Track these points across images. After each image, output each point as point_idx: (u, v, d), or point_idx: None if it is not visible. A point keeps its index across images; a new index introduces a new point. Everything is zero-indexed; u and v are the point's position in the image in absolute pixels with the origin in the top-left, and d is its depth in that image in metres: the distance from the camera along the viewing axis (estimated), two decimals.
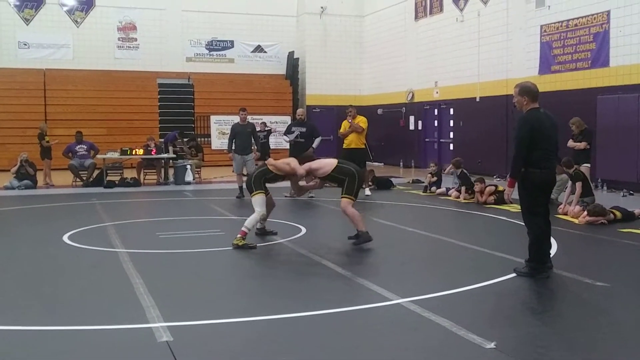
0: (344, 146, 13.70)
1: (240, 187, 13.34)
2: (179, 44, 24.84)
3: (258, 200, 8.15)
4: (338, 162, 8.21)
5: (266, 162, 8.62)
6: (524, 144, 6.20)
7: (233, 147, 13.48)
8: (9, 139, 19.91)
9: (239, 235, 7.89)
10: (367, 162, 14.44)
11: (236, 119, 14.35)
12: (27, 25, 23.12)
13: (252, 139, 13.74)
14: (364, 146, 13.76)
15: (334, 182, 8.31)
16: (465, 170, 13.31)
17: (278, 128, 22.72)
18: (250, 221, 8.00)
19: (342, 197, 8.12)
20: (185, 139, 18.49)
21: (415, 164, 22.03)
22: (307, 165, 8.32)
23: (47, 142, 16.41)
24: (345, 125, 13.76)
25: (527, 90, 6.36)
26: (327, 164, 8.21)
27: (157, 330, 4.69)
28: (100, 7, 23.78)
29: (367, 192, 13.76)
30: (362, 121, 13.55)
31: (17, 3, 22.98)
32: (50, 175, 16.24)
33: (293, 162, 8.35)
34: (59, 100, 22.43)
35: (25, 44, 23.12)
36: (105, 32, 23.83)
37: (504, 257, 7.28)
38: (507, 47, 18.00)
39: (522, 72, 16.74)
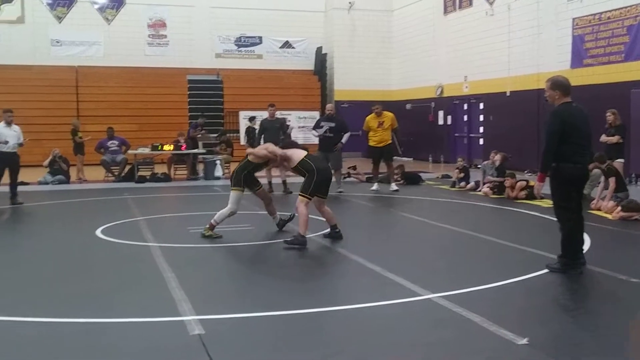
0: (373, 144, 13.83)
1: (284, 182, 13.42)
2: (208, 41, 24.99)
3: (232, 197, 8.26)
4: (305, 156, 8.06)
5: (246, 151, 8.65)
6: (555, 138, 6.13)
7: (261, 143, 13.51)
8: (43, 134, 20.23)
9: (207, 226, 8.22)
10: (395, 157, 14.44)
11: (265, 114, 14.39)
12: (60, 23, 23.48)
13: (282, 134, 13.77)
14: (391, 141, 13.92)
15: (300, 175, 8.16)
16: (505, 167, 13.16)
17: (306, 124, 22.79)
18: (219, 215, 8.22)
19: (298, 194, 7.99)
20: (215, 135, 18.63)
21: (445, 159, 21.89)
22: (284, 151, 8.24)
23: (80, 138, 16.66)
24: (370, 121, 13.78)
25: (559, 84, 6.28)
26: (296, 155, 8.08)
27: (189, 323, 4.74)
28: (130, 4, 24.04)
29: (394, 186, 13.75)
30: (391, 118, 13.77)
31: (50, 1, 23.34)
32: (83, 171, 16.49)
33: (270, 146, 8.40)
34: (91, 97, 22.74)
35: (58, 42, 23.47)
36: (135, 29, 24.08)
37: (535, 252, 7.21)
38: (538, 40, 17.77)
39: (554, 66, 16.51)
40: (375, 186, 13.92)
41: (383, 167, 14.27)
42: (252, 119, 20.41)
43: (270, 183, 13.35)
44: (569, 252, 6.25)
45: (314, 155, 8.27)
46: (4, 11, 22.92)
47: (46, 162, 15.83)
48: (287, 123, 19.24)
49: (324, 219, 8.28)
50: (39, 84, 22.28)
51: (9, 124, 11.81)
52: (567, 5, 16.75)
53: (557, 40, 17.06)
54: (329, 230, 8.27)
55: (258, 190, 8.77)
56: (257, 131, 14.37)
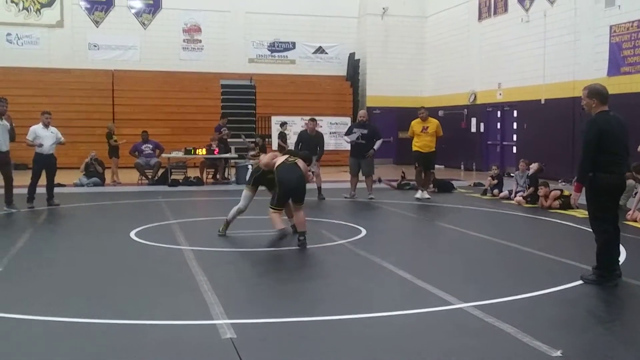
0: (416, 149, 13.45)
1: (319, 188, 13.44)
2: (242, 46, 25.20)
3: (243, 195, 8.79)
4: (278, 166, 8.27)
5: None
6: (592, 147, 6.04)
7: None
8: (79, 137, 20.58)
9: (223, 224, 8.75)
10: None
11: (296, 120, 14.46)
12: (97, 27, 23.91)
13: (319, 149, 13.58)
14: (435, 149, 13.61)
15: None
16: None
17: (338, 130, 22.81)
18: (231, 212, 8.75)
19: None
20: (250, 139, 18.77)
21: (477, 167, 21.71)
22: (264, 159, 8.70)
23: (115, 141, 16.92)
24: (415, 125, 13.53)
25: (597, 93, 6.20)
26: (275, 162, 8.41)
27: (221, 327, 4.78)
28: (166, 9, 24.37)
29: (426, 194, 13.53)
30: (436, 125, 13.50)
31: (88, 6, 23.79)
32: (117, 173, 16.73)
33: (264, 158, 8.81)
34: (126, 101, 23.09)
35: (95, 46, 23.91)
36: (171, 33, 24.41)
37: (569, 263, 7.11)
38: (574, 47, 17.54)
39: (590, 74, 16.28)
40: (419, 194, 13.50)
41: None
42: (283, 124, 20.56)
43: (319, 189, 13.40)
44: (604, 263, 6.15)
45: (284, 165, 8.28)
46: (43, 15, 23.43)
47: (82, 167, 16.07)
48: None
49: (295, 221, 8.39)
50: (77, 87, 22.70)
51: (46, 125, 12.04)
52: (604, 12, 16.51)
53: (594, 48, 16.82)
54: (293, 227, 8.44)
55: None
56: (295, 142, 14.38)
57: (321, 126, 23.90)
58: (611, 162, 6.06)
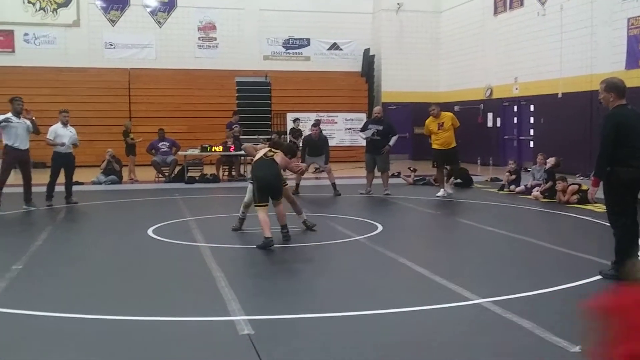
0: (437, 147, 13.16)
1: (333, 184, 13.51)
2: (257, 43, 25.23)
3: (248, 189, 8.85)
4: (255, 160, 8.35)
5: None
6: (610, 141, 5.99)
7: (306, 158, 13.84)
8: (96, 135, 20.74)
9: (237, 220, 8.92)
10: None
11: (311, 116, 14.57)
12: (113, 26, 24.04)
13: (324, 151, 13.91)
14: (455, 144, 13.23)
15: None
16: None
17: (353, 126, 22.84)
18: (240, 209, 8.92)
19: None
20: (262, 136, 18.79)
21: (494, 162, 21.58)
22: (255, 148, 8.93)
23: (132, 139, 17.02)
24: (430, 124, 13.24)
25: (614, 86, 6.15)
26: (255, 153, 8.54)
27: (238, 323, 4.80)
28: (181, 7, 24.45)
29: (450, 190, 13.29)
30: (451, 118, 13.13)
31: (104, 5, 23.92)
32: (134, 171, 16.84)
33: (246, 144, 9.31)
34: (142, 99, 23.21)
35: (111, 45, 24.05)
36: (186, 32, 24.48)
37: (588, 258, 7.06)
38: (591, 41, 17.37)
39: (608, 67, 16.11)
40: (441, 192, 13.18)
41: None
42: (295, 120, 20.56)
43: (297, 185, 13.42)
44: (624, 258, 6.09)
45: (261, 160, 8.27)
46: (60, 15, 23.60)
47: (102, 165, 16.17)
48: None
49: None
50: (93, 86, 22.83)
51: (64, 124, 12.15)
52: (621, 5, 16.32)
53: (611, 41, 16.64)
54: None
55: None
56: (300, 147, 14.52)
57: (336, 122, 24.13)
58: (629, 156, 6.00)
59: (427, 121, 13.40)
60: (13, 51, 23.14)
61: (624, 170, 5.99)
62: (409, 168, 16.78)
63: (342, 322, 4.95)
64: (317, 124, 14.32)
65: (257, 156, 8.36)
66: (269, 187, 8.13)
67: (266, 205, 8.06)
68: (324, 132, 15.01)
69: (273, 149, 8.43)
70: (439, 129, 13.07)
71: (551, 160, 13.06)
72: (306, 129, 19.57)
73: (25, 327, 4.91)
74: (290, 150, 8.90)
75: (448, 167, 13.62)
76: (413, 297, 5.61)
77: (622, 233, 6.09)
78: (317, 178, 16.19)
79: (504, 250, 7.99)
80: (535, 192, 12.80)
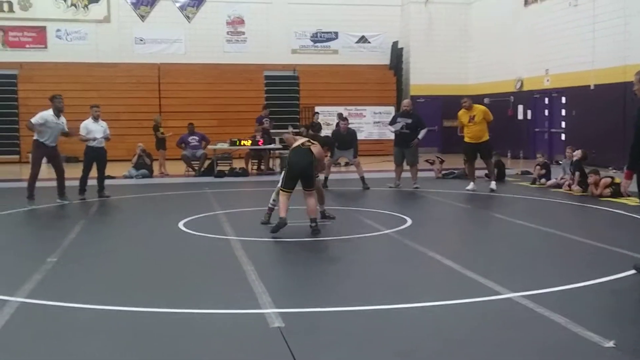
0: (467, 140, 12.95)
1: (362, 178, 13.55)
2: (285, 37, 25.24)
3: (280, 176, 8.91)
4: (293, 148, 8.45)
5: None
6: None
7: (335, 151, 13.81)
8: (127, 130, 20.96)
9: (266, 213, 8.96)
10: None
11: (340, 109, 14.60)
12: (143, 21, 24.26)
13: (353, 145, 13.90)
14: (488, 138, 12.97)
15: None
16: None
17: (382, 119, 22.81)
18: (271, 197, 8.94)
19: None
20: (295, 130, 18.86)
21: (524, 155, 21.33)
22: (287, 137, 9.22)
23: (162, 133, 17.18)
24: (462, 116, 13.04)
25: None
26: (293, 142, 8.63)
27: (269, 316, 4.83)
28: (210, 2, 24.57)
29: (493, 185, 12.89)
30: (483, 111, 12.90)
31: (134, 1, 24.15)
32: (165, 165, 17.01)
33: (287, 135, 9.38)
34: (172, 94, 23.41)
35: (141, 40, 24.27)
36: (215, 26, 24.59)
37: (622, 252, 6.95)
38: (624, 31, 17.04)
39: None
40: (471, 185, 13.01)
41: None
42: (315, 114, 20.64)
43: (326, 179, 13.45)
44: None
45: (298, 148, 8.40)
46: (91, 11, 23.89)
47: (134, 160, 16.37)
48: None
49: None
50: (124, 81, 23.11)
51: (96, 119, 12.30)
52: None
53: None
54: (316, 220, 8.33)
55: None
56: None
57: (365, 116, 24.08)
58: None
59: (459, 113, 13.22)
60: (45, 47, 23.49)
61: None
62: (437, 157, 16.67)
63: (372, 315, 4.95)
64: (344, 118, 14.33)
65: (295, 144, 8.47)
66: (301, 173, 8.25)
67: (290, 192, 8.24)
68: (351, 125, 15.02)
69: (312, 140, 8.55)
70: (469, 122, 12.89)
71: (578, 153, 12.87)
72: (329, 125, 19.66)
73: (60, 319, 5.00)
74: (328, 142, 9.02)
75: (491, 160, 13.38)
76: (443, 291, 5.58)
77: None
78: (343, 170, 16.18)
79: (536, 244, 7.90)
80: (567, 185, 12.63)
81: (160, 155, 17.10)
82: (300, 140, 8.57)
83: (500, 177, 14.60)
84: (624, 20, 17.03)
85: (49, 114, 11.18)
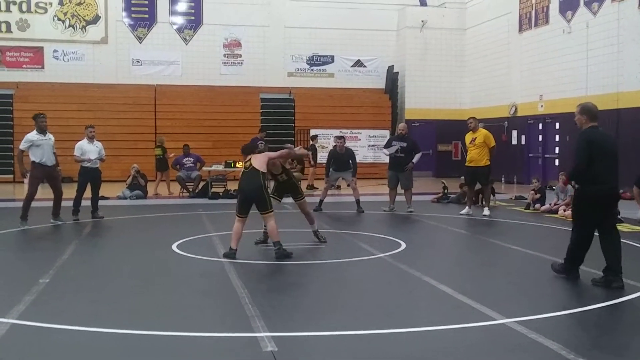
0: (467, 163, 12.97)
1: (357, 201, 13.51)
2: (281, 60, 25.42)
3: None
4: (242, 172, 8.42)
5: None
6: (584, 155, 6.61)
7: (330, 171, 13.88)
8: (122, 151, 20.99)
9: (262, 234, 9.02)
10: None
11: (335, 132, 14.59)
12: (140, 43, 24.39)
13: (350, 164, 13.85)
14: (488, 163, 12.75)
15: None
16: None
17: (377, 143, 22.89)
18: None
19: None
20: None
21: (518, 180, 21.43)
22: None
23: (163, 155, 17.44)
24: (466, 137, 13.03)
25: (587, 110, 6.99)
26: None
27: (262, 339, 4.81)
28: (207, 25, 24.75)
29: (487, 211, 12.82)
30: (484, 135, 12.75)
31: (131, 22, 24.31)
32: (169, 185, 17.28)
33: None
34: (168, 115, 23.47)
35: (138, 61, 24.39)
36: (211, 49, 24.75)
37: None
38: (617, 59, 17.22)
39: (634, 85, 15.97)
40: (465, 210, 12.99)
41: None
42: (314, 137, 20.67)
43: (321, 202, 13.53)
44: (569, 260, 6.90)
45: (243, 172, 8.35)
46: (88, 32, 24.03)
47: (128, 181, 16.38)
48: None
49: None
50: (120, 101, 23.16)
51: (91, 139, 12.31)
52: None
53: (638, 59, 16.48)
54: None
55: (298, 200, 9.38)
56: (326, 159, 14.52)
57: (360, 139, 24.17)
58: (598, 175, 6.59)
59: (467, 135, 13.13)
60: (42, 67, 23.59)
61: (592, 189, 6.61)
62: (442, 182, 16.32)
63: (365, 340, 4.93)
64: (342, 137, 14.18)
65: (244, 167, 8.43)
66: (249, 199, 8.21)
67: (244, 217, 8.23)
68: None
69: (250, 159, 8.33)
70: (470, 144, 12.88)
71: (563, 178, 12.95)
72: (326, 147, 19.68)
73: (51, 340, 4.96)
74: (260, 147, 9.10)
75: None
76: (437, 316, 5.57)
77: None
78: (336, 194, 16.16)
79: (529, 269, 7.90)
80: (561, 210, 12.67)
81: (166, 175, 17.35)
82: (245, 162, 8.38)
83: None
84: (617, 48, 17.22)
85: (33, 134, 11.24)
